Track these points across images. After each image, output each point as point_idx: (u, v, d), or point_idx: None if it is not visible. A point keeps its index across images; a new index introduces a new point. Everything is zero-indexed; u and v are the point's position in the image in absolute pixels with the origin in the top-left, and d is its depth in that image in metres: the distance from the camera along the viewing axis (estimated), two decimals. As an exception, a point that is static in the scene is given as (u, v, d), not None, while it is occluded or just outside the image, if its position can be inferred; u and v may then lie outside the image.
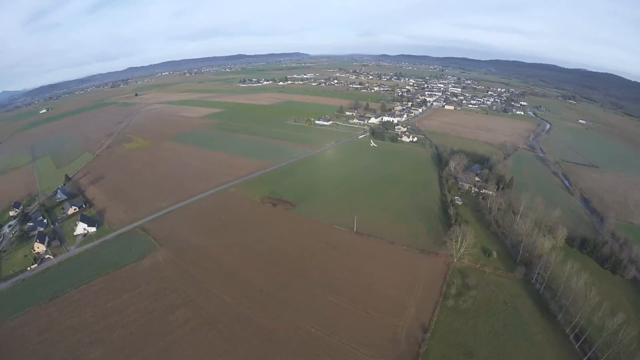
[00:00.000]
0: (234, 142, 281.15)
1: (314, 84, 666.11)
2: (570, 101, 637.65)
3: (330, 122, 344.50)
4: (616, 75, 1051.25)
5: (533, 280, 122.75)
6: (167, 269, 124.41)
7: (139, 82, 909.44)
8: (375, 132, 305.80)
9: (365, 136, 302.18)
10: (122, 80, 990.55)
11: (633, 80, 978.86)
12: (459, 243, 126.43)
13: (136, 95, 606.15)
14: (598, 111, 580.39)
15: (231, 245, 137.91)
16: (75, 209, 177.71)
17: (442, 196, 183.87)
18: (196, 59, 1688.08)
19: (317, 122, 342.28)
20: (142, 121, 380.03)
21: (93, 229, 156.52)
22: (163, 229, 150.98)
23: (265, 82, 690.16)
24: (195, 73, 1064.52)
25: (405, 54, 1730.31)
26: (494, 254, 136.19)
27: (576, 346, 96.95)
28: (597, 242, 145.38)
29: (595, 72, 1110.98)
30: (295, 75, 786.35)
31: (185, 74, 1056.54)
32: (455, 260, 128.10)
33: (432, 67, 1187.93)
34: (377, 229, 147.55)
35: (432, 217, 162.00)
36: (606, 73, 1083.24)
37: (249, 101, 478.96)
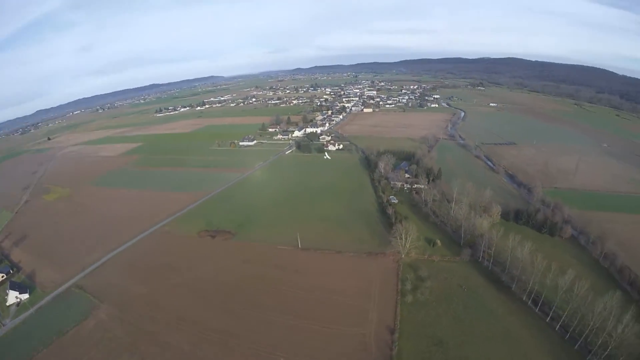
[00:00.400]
0: (160, 177, 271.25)
1: (232, 104, 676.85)
2: (479, 88, 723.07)
3: (255, 141, 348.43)
4: (517, 58, 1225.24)
5: (480, 259, 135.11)
6: (114, 326, 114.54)
7: (50, 125, 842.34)
8: (300, 145, 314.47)
9: (292, 151, 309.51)
10: (32, 125, 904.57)
11: (533, 60, 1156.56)
12: (404, 239, 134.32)
13: (49, 139, 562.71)
14: (506, 93, 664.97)
15: (175, 287, 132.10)
16: (2, 276, 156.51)
17: (377, 198, 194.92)
18: (108, 94, 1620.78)
19: (241, 143, 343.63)
20: (58, 168, 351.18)
21: (26, 296, 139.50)
22: (100, 283, 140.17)
23: (182, 109, 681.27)
24: (109, 108, 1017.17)
25: (318, 65, 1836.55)
26: (438, 242, 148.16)
27: (536, 310, 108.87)
28: (530, 212, 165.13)
29: (498, 58, 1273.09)
30: (212, 99, 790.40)
31: (97, 110, 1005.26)
32: (403, 256, 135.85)
33: (345, 74, 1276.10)
34: (322, 241, 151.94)
35: (372, 220, 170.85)
36: (508, 57, 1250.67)
37: (168, 130, 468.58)
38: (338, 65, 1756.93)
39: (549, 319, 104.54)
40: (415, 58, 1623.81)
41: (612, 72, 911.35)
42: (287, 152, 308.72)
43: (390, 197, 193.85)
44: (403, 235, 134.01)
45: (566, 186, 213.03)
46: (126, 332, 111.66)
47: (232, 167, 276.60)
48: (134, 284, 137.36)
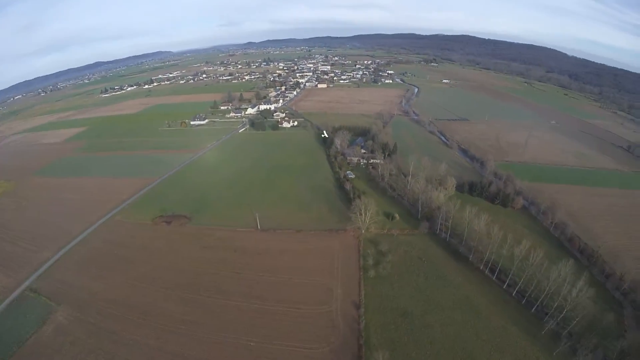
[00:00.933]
0: (108, 162, 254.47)
1: (181, 82, 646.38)
2: (432, 64, 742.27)
3: (207, 120, 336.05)
4: (470, 36, 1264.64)
5: (438, 232, 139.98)
6: (74, 329, 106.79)
7: None
8: (254, 122, 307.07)
9: (246, 129, 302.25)
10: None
11: (486, 38, 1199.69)
12: (363, 215, 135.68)
13: None
14: (458, 70, 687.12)
15: (135, 280, 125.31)
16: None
17: (334, 174, 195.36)
18: (51, 75, 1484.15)
19: (192, 122, 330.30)
20: (0, 159, 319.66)
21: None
22: (55, 284, 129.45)
23: (129, 88, 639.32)
24: (52, 90, 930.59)
25: (271, 39, 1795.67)
26: (396, 216, 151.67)
27: (494, 278, 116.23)
28: (483, 184, 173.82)
29: (451, 35, 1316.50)
30: (160, 76, 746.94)
31: (40, 93, 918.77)
32: (363, 231, 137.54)
33: (298, 48, 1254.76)
34: (281, 221, 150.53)
35: (330, 196, 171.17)
36: (461, 35, 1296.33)
37: (115, 112, 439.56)
38: (291, 39, 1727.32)
39: (505, 286, 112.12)
40: (369, 33, 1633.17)
41: (562, 53, 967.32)
42: (240, 131, 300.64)
43: (347, 172, 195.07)
44: (362, 211, 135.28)
45: (517, 160, 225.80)
46: (88, 334, 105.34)
47: (183, 148, 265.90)
48: (90, 280, 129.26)
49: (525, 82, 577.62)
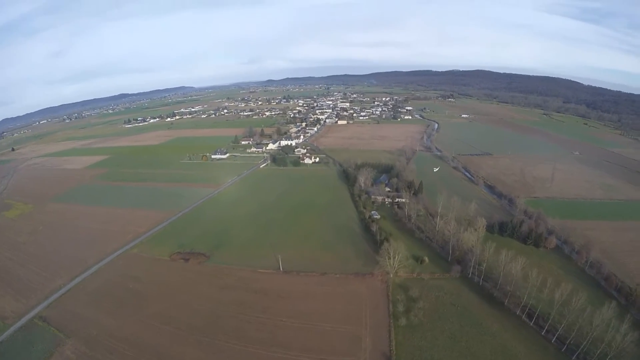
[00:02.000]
0: (127, 192, 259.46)
1: (203, 116, 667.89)
2: (449, 99, 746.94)
3: (228, 154, 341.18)
4: (485, 70, 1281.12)
5: (470, 275, 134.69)
6: None
7: (16, 135, 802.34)
8: (276, 158, 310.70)
9: (267, 164, 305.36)
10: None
11: (501, 72, 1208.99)
12: (392, 258, 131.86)
13: (13, 150, 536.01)
14: (476, 104, 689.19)
15: (149, 318, 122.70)
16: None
17: (359, 213, 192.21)
18: (76, 103, 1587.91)
19: (213, 156, 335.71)
20: (21, 181, 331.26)
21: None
22: (65, 315, 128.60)
23: (152, 120, 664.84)
24: (76, 118, 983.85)
25: (290, 77, 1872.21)
26: (425, 259, 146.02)
27: (531, 324, 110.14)
28: (514, 224, 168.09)
29: (467, 71, 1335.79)
30: (182, 110, 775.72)
31: (65, 120, 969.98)
32: (391, 275, 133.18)
33: (317, 86, 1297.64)
34: (305, 263, 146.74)
35: (355, 238, 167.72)
36: (476, 70, 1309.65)
37: (137, 143, 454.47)
38: (310, 77, 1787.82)
39: (544, 332, 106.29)
40: (386, 70, 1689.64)
41: (577, 82, 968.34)
42: (261, 166, 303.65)
43: (372, 212, 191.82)
44: (391, 254, 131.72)
45: (544, 195, 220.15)
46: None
47: (204, 181, 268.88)
48: (102, 315, 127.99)
49: (544, 114, 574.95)
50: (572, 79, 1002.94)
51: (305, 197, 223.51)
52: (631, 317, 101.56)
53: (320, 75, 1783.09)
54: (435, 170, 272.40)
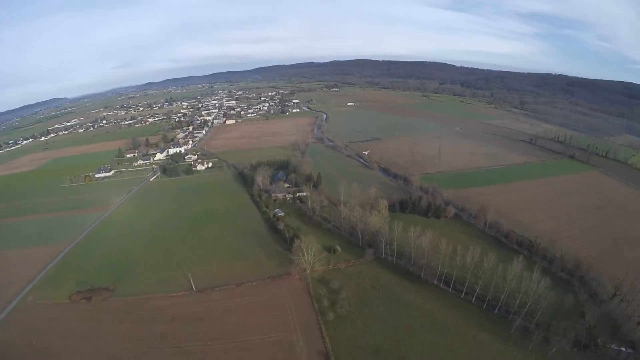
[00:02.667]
0: (8, 231, 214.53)
1: (81, 130, 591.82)
2: (334, 89, 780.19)
3: (113, 171, 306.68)
4: (366, 59, 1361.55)
5: (383, 256, 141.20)
6: None
7: None
8: (166, 169, 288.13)
9: (157, 176, 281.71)
10: None
11: (381, 60, 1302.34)
12: (306, 254, 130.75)
13: None
14: (359, 92, 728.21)
15: None
16: None
17: (262, 214, 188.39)
18: None
19: (97, 175, 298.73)
20: None
21: None
22: None
23: (25, 142, 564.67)
24: None
25: (170, 78, 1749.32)
26: (338, 248, 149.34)
27: (450, 290, 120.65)
28: (413, 200, 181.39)
29: (348, 60, 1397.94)
30: (57, 125, 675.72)
31: None
32: (308, 272, 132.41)
33: (200, 85, 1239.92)
34: (217, 277, 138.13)
35: (264, 239, 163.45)
36: (357, 59, 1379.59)
37: (12, 170, 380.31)
38: (192, 76, 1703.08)
39: (463, 294, 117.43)
40: (270, 65, 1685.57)
41: (451, 65, 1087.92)
42: (152, 179, 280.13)
43: (276, 210, 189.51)
44: (304, 250, 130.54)
45: (435, 170, 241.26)
46: None
47: (91, 205, 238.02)
48: None
49: (423, 96, 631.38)
50: (447, 62, 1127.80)
51: (204, 207, 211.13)
52: (539, 265, 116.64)
53: (202, 74, 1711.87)
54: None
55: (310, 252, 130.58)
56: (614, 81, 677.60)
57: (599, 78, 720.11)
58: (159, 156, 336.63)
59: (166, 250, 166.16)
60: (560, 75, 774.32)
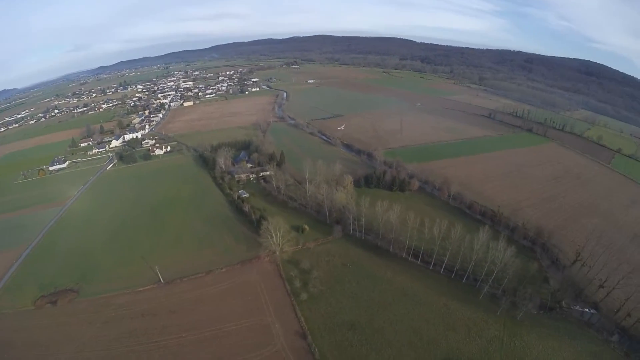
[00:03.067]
0: None
1: (32, 122, 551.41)
2: (294, 66, 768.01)
3: (67, 162, 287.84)
4: (325, 35, 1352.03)
5: (351, 232, 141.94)
6: None
7: None
8: (123, 156, 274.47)
9: (114, 164, 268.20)
10: None
11: (340, 35, 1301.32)
12: (274, 236, 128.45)
13: None
14: (320, 69, 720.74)
15: None
16: None
17: (226, 196, 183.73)
18: None
19: (51, 168, 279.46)
20: None
21: None
22: None
23: None
24: None
25: (124, 60, 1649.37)
26: (306, 227, 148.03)
27: (418, 262, 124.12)
28: (378, 175, 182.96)
29: (307, 36, 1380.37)
30: (7, 119, 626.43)
31: None
32: (278, 253, 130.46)
33: (155, 67, 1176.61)
34: (185, 266, 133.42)
35: (230, 223, 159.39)
36: (316, 35, 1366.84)
37: None
38: (146, 57, 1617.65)
39: (432, 266, 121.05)
40: (227, 42, 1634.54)
41: (411, 41, 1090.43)
42: (108, 168, 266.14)
43: (240, 191, 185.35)
44: (273, 232, 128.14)
45: (398, 145, 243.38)
46: None
47: (47, 202, 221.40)
48: None
49: (383, 72, 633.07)
50: (407, 38, 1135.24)
51: (165, 193, 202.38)
52: (505, 235, 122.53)
53: (157, 55, 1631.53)
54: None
55: (278, 234, 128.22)
56: (571, 58, 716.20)
57: (556, 55, 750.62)
58: (114, 143, 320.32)
59: (129, 243, 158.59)
60: (518, 52, 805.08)
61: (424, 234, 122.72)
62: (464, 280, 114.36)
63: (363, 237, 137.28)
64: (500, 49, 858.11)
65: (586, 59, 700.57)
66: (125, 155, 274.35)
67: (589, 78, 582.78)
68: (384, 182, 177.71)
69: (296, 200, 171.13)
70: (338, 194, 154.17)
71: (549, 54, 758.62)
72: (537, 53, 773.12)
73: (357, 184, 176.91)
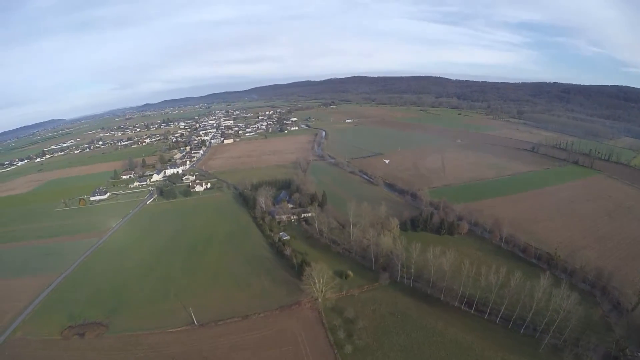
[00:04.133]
0: None
1: (76, 151, 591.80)
2: (331, 106, 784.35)
3: (108, 194, 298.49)
4: (361, 76, 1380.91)
5: (399, 279, 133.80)
6: None
7: None
8: (163, 190, 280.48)
9: (155, 199, 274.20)
10: None
11: (376, 76, 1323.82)
12: (317, 282, 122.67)
13: None
14: (357, 108, 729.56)
15: None
16: None
17: (266, 238, 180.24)
18: None
19: (92, 198, 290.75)
20: None
21: None
22: None
23: (20, 163, 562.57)
24: None
25: (168, 99, 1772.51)
26: (350, 273, 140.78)
27: (472, 311, 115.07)
28: (425, 217, 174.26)
29: (344, 78, 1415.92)
30: (53, 147, 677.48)
31: None
32: (320, 300, 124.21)
33: (197, 106, 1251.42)
34: (221, 309, 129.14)
35: (269, 265, 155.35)
36: (353, 76, 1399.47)
37: (4, 193, 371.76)
38: (188, 97, 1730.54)
39: (487, 315, 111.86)
40: (266, 85, 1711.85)
41: (446, 78, 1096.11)
42: (148, 202, 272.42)
43: (281, 233, 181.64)
44: (316, 279, 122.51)
45: (441, 184, 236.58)
46: None
47: (85, 231, 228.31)
48: None
49: (420, 110, 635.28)
50: (440, 76, 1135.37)
51: (203, 231, 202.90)
52: (567, 281, 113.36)
53: (199, 95, 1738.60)
54: None
55: (322, 280, 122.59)
56: (608, 85, 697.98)
57: (592, 84, 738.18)
58: (155, 177, 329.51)
59: (163, 279, 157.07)
60: (554, 83, 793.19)
61: (479, 282, 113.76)
62: (522, 331, 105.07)
63: (412, 285, 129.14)
64: (535, 81, 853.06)
65: (623, 84, 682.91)
66: (166, 190, 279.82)
67: (627, 104, 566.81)
68: (431, 224, 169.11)
69: (339, 244, 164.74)
70: (385, 238, 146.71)
71: (584, 83, 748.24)
72: (574, 83, 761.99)
73: (402, 226, 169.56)
